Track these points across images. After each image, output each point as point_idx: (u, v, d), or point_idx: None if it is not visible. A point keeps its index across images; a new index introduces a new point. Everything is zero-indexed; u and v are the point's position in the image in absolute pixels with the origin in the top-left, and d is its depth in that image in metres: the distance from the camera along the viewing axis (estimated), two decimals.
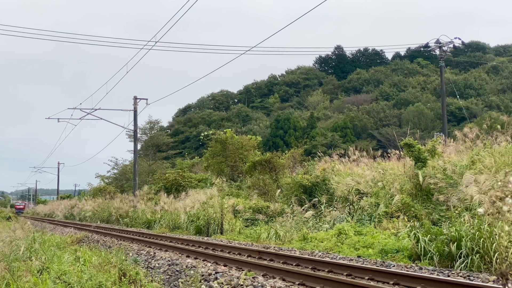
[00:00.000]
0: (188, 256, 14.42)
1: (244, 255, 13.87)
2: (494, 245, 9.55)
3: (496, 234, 8.20)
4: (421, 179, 17.12)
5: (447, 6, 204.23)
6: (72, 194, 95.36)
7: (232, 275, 10.35)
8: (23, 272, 9.39)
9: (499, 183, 4.61)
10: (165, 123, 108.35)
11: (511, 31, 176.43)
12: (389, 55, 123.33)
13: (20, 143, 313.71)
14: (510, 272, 4.25)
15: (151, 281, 9.98)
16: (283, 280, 9.93)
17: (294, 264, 11.72)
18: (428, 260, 11.19)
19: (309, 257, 12.23)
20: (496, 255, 9.42)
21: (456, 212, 13.79)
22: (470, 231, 10.61)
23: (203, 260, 13.30)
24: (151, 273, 11.25)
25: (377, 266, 10.72)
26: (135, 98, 39.58)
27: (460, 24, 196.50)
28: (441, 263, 10.87)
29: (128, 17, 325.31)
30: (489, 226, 10.01)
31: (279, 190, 25.69)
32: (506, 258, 4.34)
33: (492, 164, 16.48)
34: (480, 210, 5.06)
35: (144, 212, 32.43)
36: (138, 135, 54.85)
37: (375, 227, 16.23)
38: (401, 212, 16.48)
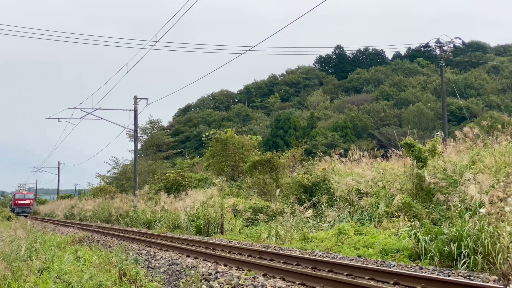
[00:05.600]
0: (188, 256, 14.41)
1: (244, 255, 13.86)
2: (498, 246, 9.52)
3: (499, 235, 8.18)
4: (427, 177, 17.06)
5: (444, 7, 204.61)
6: (72, 194, 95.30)
7: (233, 274, 10.34)
8: (23, 272, 9.39)
9: (501, 183, 4.59)
10: (165, 123, 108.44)
11: (508, 31, 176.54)
12: (389, 55, 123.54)
13: (20, 143, 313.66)
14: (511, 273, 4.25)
15: (152, 280, 9.97)
16: (283, 280, 9.92)
17: (294, 263, 11.70)
18: (429, 260, 11.18)
19: (309, 256, 12.22)
20: (500, 255, 9.39)
21: (457, 212, 13.78)
22: (473, 231, 10.58)
23: (204, 260, 13.29)
24: (151, 272, 11.24)
25: (378, 266, 10.71)
26: (135, 98, 39.56)
27: (457, 24, 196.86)
28: (442, 263, 10.86)
29: (128, 18, 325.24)
30: (492, 227, 9.97)
31: (279, 190, 25.69)
32: (507, 259, 4.33)
33: (492, 163, 16.47)
34: (482, 210, 5.05)
35: (144, 212, 32.43)
36: (138, 135, 54.85)
37: (375, 227, 16.22)
38: (401, 212, 16.47)
